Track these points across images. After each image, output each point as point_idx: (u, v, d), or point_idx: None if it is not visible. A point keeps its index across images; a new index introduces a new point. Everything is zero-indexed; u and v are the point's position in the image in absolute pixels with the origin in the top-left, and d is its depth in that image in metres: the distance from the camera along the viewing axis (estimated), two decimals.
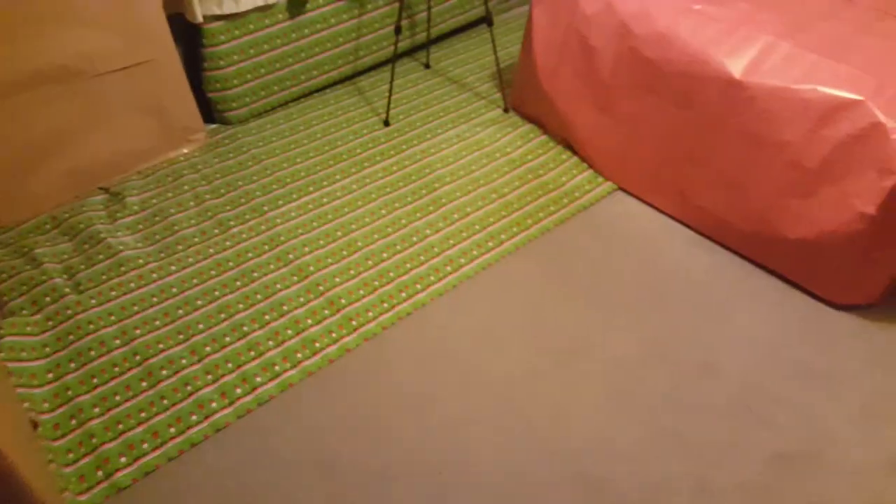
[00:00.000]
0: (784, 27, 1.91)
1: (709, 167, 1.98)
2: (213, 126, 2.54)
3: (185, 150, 2.39)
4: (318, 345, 1.74)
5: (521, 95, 2.57)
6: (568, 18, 2.26)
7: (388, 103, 2.57)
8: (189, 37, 2.36)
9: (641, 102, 2.10)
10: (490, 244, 2.05)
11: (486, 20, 2.62)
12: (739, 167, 1.90)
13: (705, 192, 2.02)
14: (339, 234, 2.08)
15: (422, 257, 2.00)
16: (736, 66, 1.84)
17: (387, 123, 2.56)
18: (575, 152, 2.42)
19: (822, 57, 1.78)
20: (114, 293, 1.86)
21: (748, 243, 1.98)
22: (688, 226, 2.13)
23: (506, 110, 2.64)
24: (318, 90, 2.74)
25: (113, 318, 1.79)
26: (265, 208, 2.16)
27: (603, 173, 2.32)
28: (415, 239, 2.06)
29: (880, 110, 1.63)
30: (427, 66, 2.92)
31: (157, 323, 1.79)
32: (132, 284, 1.89)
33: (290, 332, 1.77)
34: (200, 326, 1.78)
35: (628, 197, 2.25)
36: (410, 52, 2.99)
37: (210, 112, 2.52)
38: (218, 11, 2.29)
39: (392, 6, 2.74)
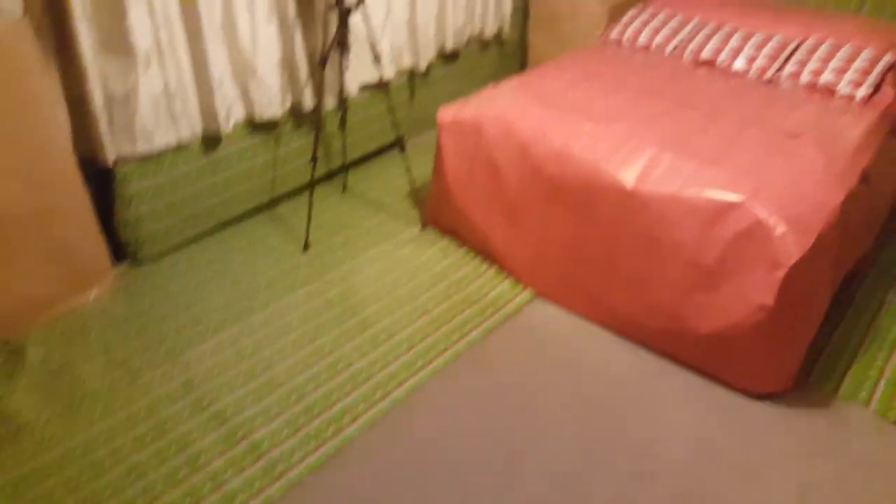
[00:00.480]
0: (665, 141, 2.10)
1: (615, 271, 2.08)
2: (125, 266, 2.46)
3: (94, 294, 2.29)
4: (239, 501, 1.62)
5: (437, 212, 2.66)
6: (473, 141, 2.40)
7: (308, 229, 2.59)
8: (100, 177, 2.33)
9: (547, 214, 2.22)
10: (419, 363, 2.03)
11: (398, 146, 2.74)
12: (643, 268, 2.00)
13: (616, 294, 2.10)
14: (259, 370, 2.00)
15: (349, 386, 1.95)
16: (628, 178, 1.99)
17: (307, 249, 2.57)
18: (493, 263, 2.49)
19: (703, 164, 1.96)
20: (8, 466, 1.69)
21: (663, 341, 2.05)
22: (605, 328, 2.20)
23: (424, 227, 2.71)
24: (234, 221, 2.74)
25: (7, 494, 1.62)
26: (179, 351, 2.08)
27: (522, 282, 2.39)
28: (341, 366, 2.02)
29: (760, 210, 1.78)
30: (345, 189, 2.99)
31: (57, 496, 1.62)
32: (29, 453, 1.73)
33: (207, 488, 1.64)
34: (108, 493, 1.63)
35: (548, 304, 2.31)
36: (328, 177, 3.06)
37: (121, 251, 2.45)
38: (131, 152, 2.29)
39: (308, 139, 2.83)
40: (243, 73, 2.49)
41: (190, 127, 2.41)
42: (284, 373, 1.99)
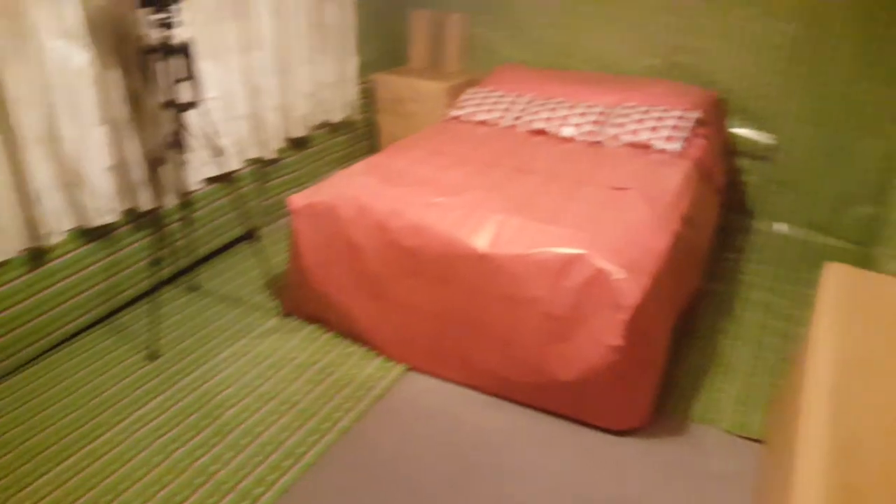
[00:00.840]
0: (510, 205, 2.21)
1: (481, 333, 2.11)
2: None
3: None
4: None
5: (297, 299, 2.58)
6: (329, 224, 2.38)
7: (155, 336, 2.39)
8: None
9: (410, 286, 2.22)
10: (288, 462, 1.90)
11: (248, 236, 2.65)
12: (505, 326, 2.05)
13: (483, 355, 2.12)
14: (106, 501, 1.77)
15: (212, 500, 1.76)
16: (480, 243, 2.05)
17: (155, 357, 2.36)
18: (361, 343, 2.43)
19: (546, 223, 2.07)
20: None
21: (531, 393, 2.08)
22: (478, 390, 2.20)
23: (284, 316, 2.60)
24: (70, 337, 2.48)
25: None
26: (9, 492, 1.79)
27: (392, 358, 2.34)
28: (200, 480, 1.83)
29: (600, 259, 1.90)
30: (195, 288, 2.82)
31: None
32: None
33: None
34: None
35: (420, 375, 2.28)
36: (175, 277, 2.88)
37: None
38: None
39: (149, 241, 2.66)
40: (70, 181, 2.32)
41: (11, 244, 2.17)
42: (136, 498, 1.77)
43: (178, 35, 2.33)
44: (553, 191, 2.35)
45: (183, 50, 2.35)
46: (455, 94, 3.60)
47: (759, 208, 3.42)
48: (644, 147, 2.79)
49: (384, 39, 3.94)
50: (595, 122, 2.95)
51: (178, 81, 2.38)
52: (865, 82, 2.97)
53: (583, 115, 3.00)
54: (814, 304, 1.61)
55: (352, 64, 3.64)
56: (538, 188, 2.38)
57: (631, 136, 2.83)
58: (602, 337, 1.87)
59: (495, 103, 3.25)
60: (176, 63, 2.36)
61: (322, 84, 3.48)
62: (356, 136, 3.93)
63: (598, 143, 2.88)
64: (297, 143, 3.48)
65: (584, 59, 3.55)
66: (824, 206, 3.24)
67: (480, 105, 3.26)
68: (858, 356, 1.35)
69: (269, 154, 3.23)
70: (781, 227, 3.37)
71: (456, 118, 3.26)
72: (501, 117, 3.15)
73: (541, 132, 3.01)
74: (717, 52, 3.23)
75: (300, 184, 3.45)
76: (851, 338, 1.41)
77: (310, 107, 3.43)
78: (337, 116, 3.66)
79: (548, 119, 3.04)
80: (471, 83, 3.68)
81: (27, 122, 2.14)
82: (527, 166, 2.60)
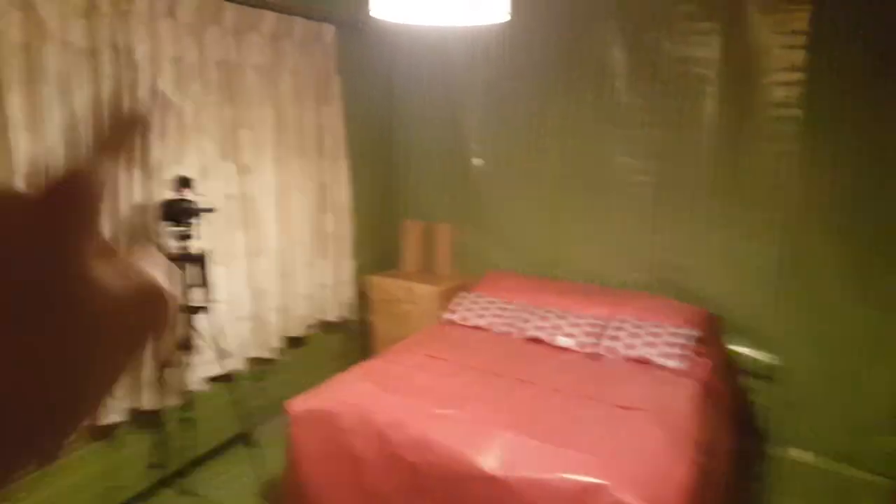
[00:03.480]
0: (517, 422, 2.18)
1: None
2: None
3: None
4: None
5: None
6: (328, 432, 2.32)
7: None
8: None
9: None
10: None
11: (244, 439, 2.56)
12: None
13: None
14: None
15: None
16: (490, 464, 2.00)
17: None
18: None
19: (558, 446, 2.03)
20: None
21: None
22: None
23: None
24: None
25: None
26: None
27: None
28: None
29: (623, 492, 1.83)
30: (190, 492, 2.64)
31: None
32: None
33: None
34: None
35: None
36: (170, 478, 2.71)
37: None
38: None
39: (148, 441, 2.56)
40: None
41: None
42: None
43: (195, 245, 2.46)
44: (558, 405, 2.35)
45: (200, 259, 2.47)
46: (447, 296, 3.74)
47: (773, 432, 3.17)
48: (644, 362, 2.83)
49: (378, 245, 4.16)
50: (590, 334, 3.05)
51: (192, 287, 2.46)
52: (860, 307, 2.85)
53: (575, 325, 3.11)
54: None
55: (348, 267, 3.81)
56: (542, 402, 2.39)
57: (629, 350, 2.89)
58: None
59: (486, 309, 3.37)
60: (192, 270, 2.45)
61: (320, 286, 3.60)
62: (351, 336, 3.97)
63: (596, 355, 2.94)
64: (294, 342, 3.50)
65: (571, 269, 3.69)
66: (842, 433, 2.97)
67: (472, 310, 3.38)
68: None
69: (268, 353, 3.23)
70: (803, 455, 3.08)
71: (450, 322, 3.35)
72: (494, 323, 3.25)
73: (537, 340, 3.09)
74: (705, 270, 3.23)
75: (296, 382, 3.39)
76: None
77: (308, 307, 3.52)
78: (333, 316, 3.74)
79: (541, 327, 3.13)
80: (462, 287, 3.83)
81: None
82: (527, 377, 2.63)
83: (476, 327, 3.26)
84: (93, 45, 2.30)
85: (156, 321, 0.25)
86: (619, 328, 3.03)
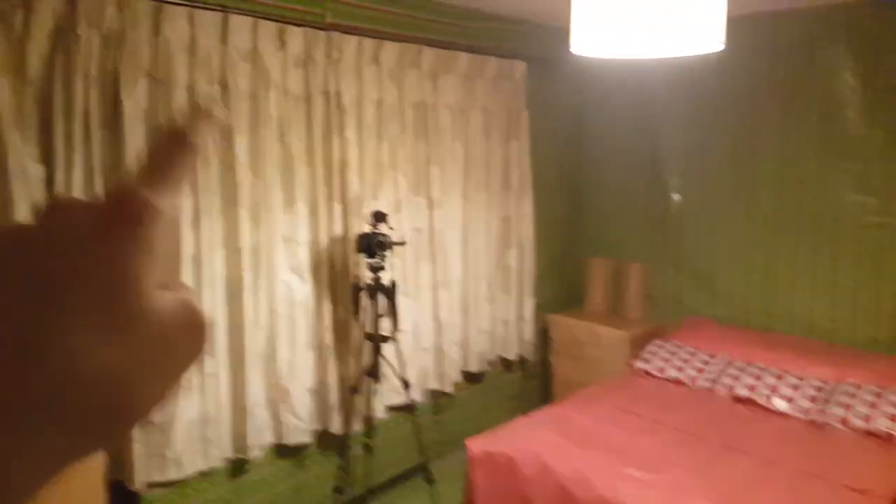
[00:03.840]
0: (722, 498, 1.90)
1: None
2: None
3: None
4: None
5: None
6: (506, 478, 2.22)
7: None
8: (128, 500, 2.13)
9: None
10: None
11: (425, 477, 2.54)
12: None
13: None
14: None
15: None
16: None
17: None
18: None
19: None
20: None
21: None
22: None
23: None
24: None
25: None
26: None
27: None
28: None
29: None
30: None
31: None
32: None
33: None
34: None
35: None
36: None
37: None
38: (160, 478, 2.14)
39: (331, 463, 2.66)
40: (277, 399, 2.45)
41: (220, 452, 2.31)
42: None
43: (386, 276, 2.52)
44: (774, 482, 2.01)
45: (390, 290, 2.52)
46: (638, 343, 3.46)
47: None
48: (884, 438, 2.34)
49: (561, 283, 4.01)
50: (813, 399, 2.59)
51: (380, 316, 2.52)
52: None
53: (794, 387, 2.67)
54: None
55: (529, 304, 3.70)
56: (754, 477, 2.05)
57: (863, 422, 2.41)
58: None
59: (686, 360, 3.04)
60: (381, 300, 2.52)
61: (501, 321, 3.54)
62: (530, 375, 3.85)
63: (821, 423, 2.49)
64: (472, 378, 3.46)
65: (786, 320, 3.24)
66: None
67: (669, 360, 3.07)
68: None
69: (447, 387, 3.22)
70: None
71: (641, 371, 3.08)
72: (696, 378, 2.92)
73: (746, 400, 2.70)
74: None
75: (473, 418, 3.36)
76: None
77: (488, 343, 3.46)
78: (512, 354, 3.64)
79: (752, 386, 2.74)
80: (654, 333, 3.53)
81: (253, 342, 2.35)
82: (734, 444, 2.30)
83: (673, 380, 2.95)
84: (307, 92, 2.49)
85: (198, 352, 0.25)
86: (851, 394, 2.54)
